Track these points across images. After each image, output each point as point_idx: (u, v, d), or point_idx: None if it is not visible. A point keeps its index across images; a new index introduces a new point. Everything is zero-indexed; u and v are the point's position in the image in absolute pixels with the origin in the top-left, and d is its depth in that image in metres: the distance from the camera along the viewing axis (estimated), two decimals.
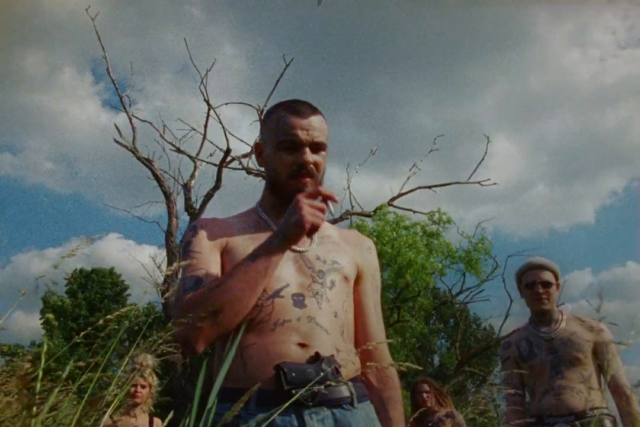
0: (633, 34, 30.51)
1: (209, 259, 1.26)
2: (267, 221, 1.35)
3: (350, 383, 1.19)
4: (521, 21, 29.29)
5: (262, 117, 1.39)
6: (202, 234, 1.30)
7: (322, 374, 1.11)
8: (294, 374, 1.11)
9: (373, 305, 1.39)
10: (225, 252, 1.29)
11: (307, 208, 1.16)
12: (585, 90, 35.25)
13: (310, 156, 1.28)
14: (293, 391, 1.08)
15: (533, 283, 2.58)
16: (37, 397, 0.87)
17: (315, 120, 1.31)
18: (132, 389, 3.18)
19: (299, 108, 1.31)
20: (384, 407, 1.31)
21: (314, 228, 1.16)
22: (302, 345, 1.17)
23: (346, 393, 1.17)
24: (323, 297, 1.25)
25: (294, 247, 1.28)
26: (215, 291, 1.14)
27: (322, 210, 1.18)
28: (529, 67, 31.10)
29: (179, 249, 11.02)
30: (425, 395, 4.02)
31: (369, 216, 11.78)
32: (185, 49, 10.16)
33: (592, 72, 34.56)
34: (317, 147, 1.30)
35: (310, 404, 1.12)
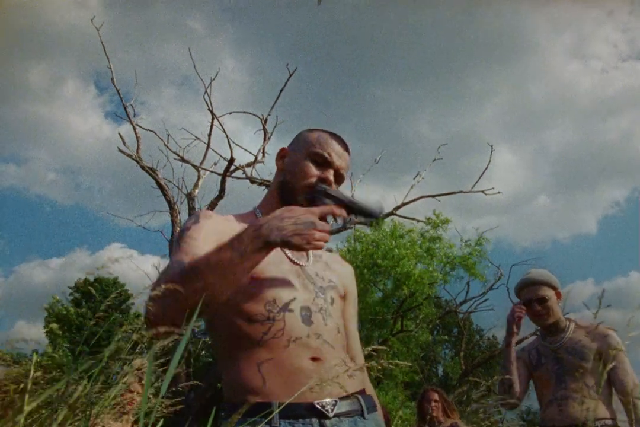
0: (634, 47, 30.65)
1: (202, 248, 1.19)
2: None
3: (360, 396, 1.25)
4: (522, 32, 29.47)
5: (298, 133, 1.48)
6: (203, 224, 1.28)
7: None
8: None
9: (354, 328, 1.46)
10: None
11: (316, 232, 1.12)
12: (586, 101, 35.32)
13: (332, 177, 1.37)
14: (316, 403, 1.15)
15: (530, 301, 2.58)
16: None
17: (346, 156, 1.43)
18: (129, 396, 2.89)
19: (339, 140, 1.43)
20: None
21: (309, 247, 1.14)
22: (314, 359, 1.22)
23: (356, 407, 1.23)
24: (327, 313, 1.29)
25: (295, 260, 1.35)
26: (189, 277, 1.07)
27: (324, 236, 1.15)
28: (530, 78, 31.20)
29: None
30: (433, 404, 3.98)
31: (370, 224, 11.78)
32: (186, 61, 10.37)
33: (593, 84, 34.66)
34: (337, 178, 1.39)
35: (332, 415, 1.16)
